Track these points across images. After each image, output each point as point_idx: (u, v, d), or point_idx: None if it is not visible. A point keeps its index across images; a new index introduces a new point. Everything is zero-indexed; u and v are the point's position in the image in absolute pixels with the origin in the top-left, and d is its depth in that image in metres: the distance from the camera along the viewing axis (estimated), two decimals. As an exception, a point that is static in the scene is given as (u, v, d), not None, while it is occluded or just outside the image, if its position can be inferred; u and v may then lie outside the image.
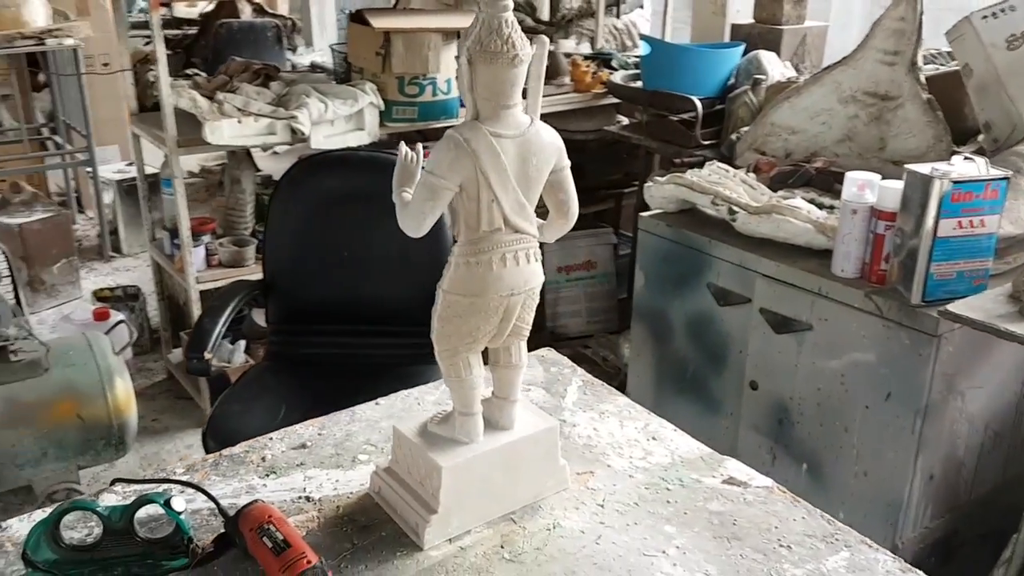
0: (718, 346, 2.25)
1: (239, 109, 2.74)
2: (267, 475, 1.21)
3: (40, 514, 1.07)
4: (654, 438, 1.33)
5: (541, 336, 3.39)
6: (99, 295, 3.45)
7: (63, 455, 2.31)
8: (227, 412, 2.05)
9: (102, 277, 4.04)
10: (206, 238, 2.83)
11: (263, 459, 1.25)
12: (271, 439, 1.31)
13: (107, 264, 4.23)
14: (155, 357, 3.44)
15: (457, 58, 0.97)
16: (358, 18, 2.97)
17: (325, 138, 2.79)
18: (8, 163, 4.53)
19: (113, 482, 1.18)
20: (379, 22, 2.85)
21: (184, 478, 1.19)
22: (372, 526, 1.11)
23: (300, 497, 1.17)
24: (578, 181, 1.07)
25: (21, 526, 1.08)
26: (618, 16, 3.84)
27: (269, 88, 2.96)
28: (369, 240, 2.28)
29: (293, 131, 2.71)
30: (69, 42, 3.86)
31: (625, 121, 3.69)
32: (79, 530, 1.07)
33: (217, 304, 2.15)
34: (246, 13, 6.03)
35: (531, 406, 1.20)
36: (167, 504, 1.03)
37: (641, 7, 4.07)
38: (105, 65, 4.43)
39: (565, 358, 1.59)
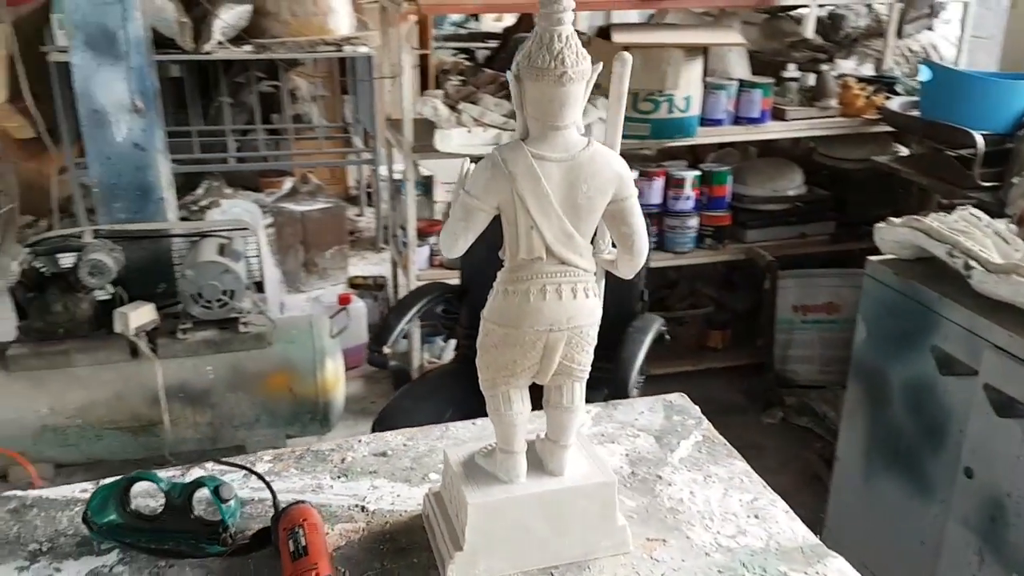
0: (936, 421, 1.93)
1: (474, 119, 2.83)
2: (339, 477, 1.23)
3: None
4: (756, 516, 1.17)
5: (765, 378, 3.14)
6: (352, 282, 3.76)
7: (274, 423, 2.54)
8: (397, 407, 2.12)
9: (369, 266, 4.39)
10: (432, 239, 2.95)
11: (343, 460, 1.27)
12: (359, 441, 1.32)
13: (376, 255, 4.59)
14: (388, 345, 3.67)
15: (507, 71, 0.91)
16: (604, 33, 2.94)
17: (553, 151, 2.79)
18: (313, 156, 5.08)
19: (208, 459, 1.26)
20: (619, 36, 2.80)
21: (266, 467, 1.25)
22: (409, 550, 1.08)
23: (356, 506, 1.17)
24: (837, 214, 0.95)
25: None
26: (899, 35, 3.44)
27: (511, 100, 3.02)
28: None
29: (521, 142, 2.74)
30: (363, 50, 4.24)
31: (904, 152, 3.31)
32: (151, 500, 1.14)
33: (405, 302, 2.23)
34: (542, 27, 6.24)
35: (596, 455, 1.10)
36: (215, 491, 1.07)
37: (931, 29, 3.62)
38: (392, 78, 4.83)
39: (695, 407, 1.44)
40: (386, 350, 2.10)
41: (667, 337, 2.26)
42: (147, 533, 1.08)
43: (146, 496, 1.14)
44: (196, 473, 1.21)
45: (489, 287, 2.41)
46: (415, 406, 2.14)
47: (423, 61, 6.44)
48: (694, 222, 3.14)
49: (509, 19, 6.83)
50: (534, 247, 0.93)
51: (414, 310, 2.21)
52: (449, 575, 1.02)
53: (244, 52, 4.26)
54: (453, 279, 2.90)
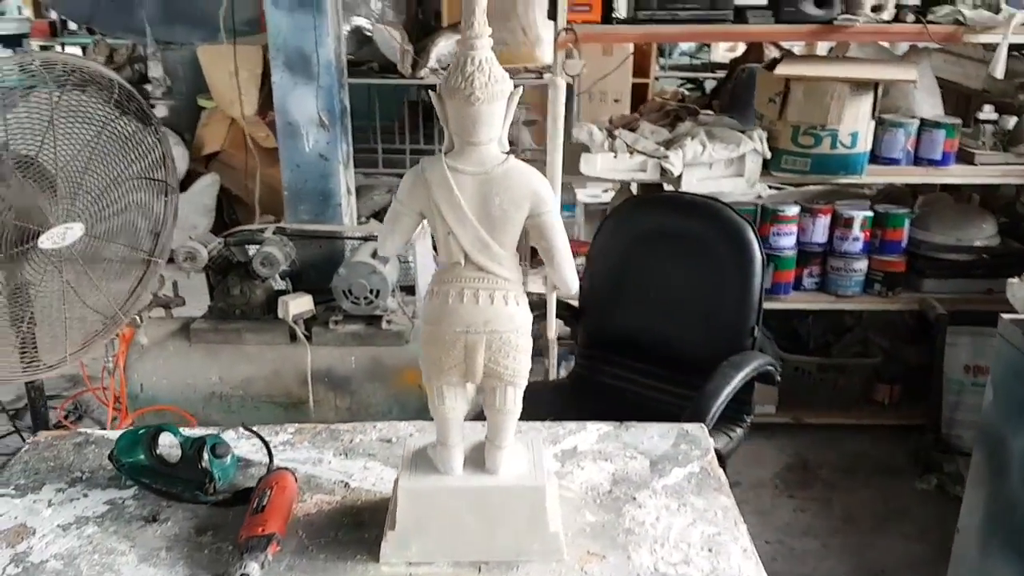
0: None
1: (627, 145, 2.87)
2: (340, 454, 1.36)
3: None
4: (710, 549, 1.15)
5: (924, 440, 2.87)
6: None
7: (403, 415, 2.72)
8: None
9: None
10: (578, 260, 3.03)
11: (351, 441, 1.40)
12: (374, 427, 1.44)
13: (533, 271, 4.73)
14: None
15: (432, 90, 0.99)
16: (773, 64, 2.87)
17: (699, 181, 2.77)
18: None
19: (242, 426, 1.44)
20: (784, 68, 2.72)
21: (286, 437, 1.40)
22: (366, 526, 1.19)
23: (342, 482, 1.29)
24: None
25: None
26: None
27: (675, 128, 3.03)
28: (675, 281, 2.28)
29: (663, 170, 2.75)
30: (559, 79, 4.40)
31: None
32: (175, 450, 1.33)
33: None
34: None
35: (539, 462, 1.14)
36: (212, 448, 1.24)
37: None
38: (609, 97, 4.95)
39: (711, 442, 1.42)
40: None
41: (777, 379, 2.19)
42: (163, 477, 1.27)
43: (174, 447, 1.33)
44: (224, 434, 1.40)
45: (606, 311, 2.46)
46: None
47: (640, 91, 6.52)
48: (862, 265, 2.95)
49: (741, 47, 6.73)
50: (452, 252, 1.00)
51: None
52: (383, 550, 1.11)
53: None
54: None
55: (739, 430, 2.19)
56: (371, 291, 2.68)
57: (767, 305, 2.23)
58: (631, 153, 2.84)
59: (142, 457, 1.28)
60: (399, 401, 2.72)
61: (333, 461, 1.34)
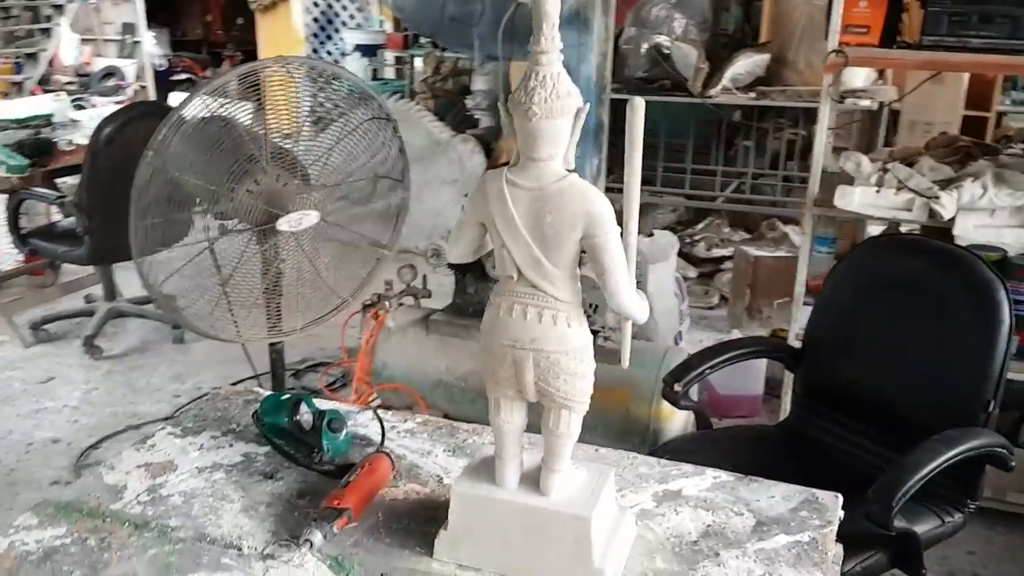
0: None
1: (898, 180, 2.61)
2: (450, 452, 1.41)
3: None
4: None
5: None
6: (775, 333, 3.68)
7: (607, 433, 2.71)
8: (677, 443, 2.15)
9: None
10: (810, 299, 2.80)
11: (464, 441, 1.44)
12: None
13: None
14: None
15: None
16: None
17: (975, 227, 2.43)
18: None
19: (372, 410, 1.54)
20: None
21: (411, 426, 1.48)
22: (437, 521, 1.21)
23: (437, 476, 1.34)
24: None
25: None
26: None
27: (962, 167, 2.69)
28: (907, 337, 2.05)
29: (932, 212, 2.45)
30: (864, 103, 4.06)
31: None
32: (307, 418, 1.46)
33: (716, 349, 2.23)
34: None
35: (599, 494, 1.10)
36: (328, 423, 1.35)
37: None
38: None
39: (839, 512, 1.26)
40: (677, 387, 2.14)
41: (1011, 464, 1.88)
42: (291, 440, 1.40)
43: (308, 416, 1.46)
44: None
45: (826, 359, 2.29)
46: (693, 447, 2.14)
47: (977, 124, 5.81)
48: None
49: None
50: (506, 265, 1.01)
51: (721, 359, 2.19)
52: (436, 546, 1.14)
53: (742, 98, 4.44)
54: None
55: (957, 516, 1.91)
56: (590, 305, 2.70)
57: (1013, 375, 1.92)
58: (897, 189, 2.57)
59: (282, 420, 1.43)
60: (604, 418, 2.71)
61: (440, 456, 1.39)
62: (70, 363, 3.71)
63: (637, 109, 0.97)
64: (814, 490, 1.32)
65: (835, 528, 1.23)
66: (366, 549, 1.16)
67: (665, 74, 4.65)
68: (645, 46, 4.73)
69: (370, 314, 2.98)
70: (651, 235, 3.66)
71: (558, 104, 0.95)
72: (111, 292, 4.01)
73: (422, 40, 7.92)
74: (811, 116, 5.17)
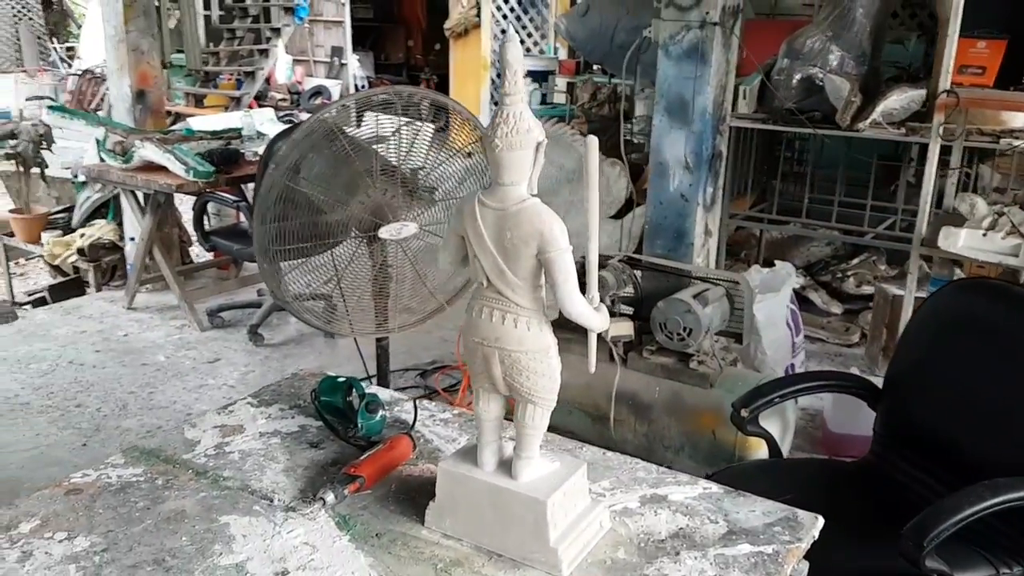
0: None
1: (1012, 224, 2.52)
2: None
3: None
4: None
5: None
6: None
7: (694, 456, 2.78)
8: (740, 469, 2.20)
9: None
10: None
11: (489, 434, 1.59)
12: (516, 429, 1.62)
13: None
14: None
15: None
16: None
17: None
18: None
19: (413, 400, 1.73)
20: None
21: (447, 416, 1.66)
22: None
23: (454, 459, 1.50)
24: None
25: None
26: None
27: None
28: (989, 382, 2.02)
29: (1042, 258, 2.35)
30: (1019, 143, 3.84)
31: None
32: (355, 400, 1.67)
33: (794, 378, 2.26)
34: None
35: (560, 483, 1.23)
36: (366, 404, 1.56)
37: None
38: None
39: (813, 536, 1.31)
40: (744, 412, 2.19)
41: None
42: (343, 418, 1.62)
43: (355, 398, 1.67)
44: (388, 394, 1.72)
45: (906, 399, 2.28)
46: (754, 474, 2.18)
47: None
48: None
49: None
50: (478, 273, 1.17)
51: (793, 388, 2.22)
52: (426, 515, 1.31)
53: (889, 133, 4.30)
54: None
55: (1016, 568, 1.86)
56: (684, 328, 2.78)
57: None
58: (1007, 233, 2.49)
59: (335, 399, 1.65)
60: (691, 440, 2.78)
61: (462, 443, 1.56)
62: (235, 348, 4.18)
63: (591, 146, 1.10)
64: (797, 510, 1.37)
65: (805, 545, 1.29)
66: (371, 512, 1.35)
67: (816, 106, 4.59)
68: (797, 77, 4.68)
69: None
70: (772, 265, 3.65)
71: (517, 139, 1.10)
72: (276, 288, 4.48)
73: (594, 67, 8.15)
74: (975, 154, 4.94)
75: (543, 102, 7.97)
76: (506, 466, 1.27)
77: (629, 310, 3.10)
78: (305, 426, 1.63)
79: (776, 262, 3.70)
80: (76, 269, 5.01)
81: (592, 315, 1.17)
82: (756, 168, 4.64)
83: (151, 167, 4.28)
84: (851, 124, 4.41)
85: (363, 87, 14.26)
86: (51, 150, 5.13)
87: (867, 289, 4.92)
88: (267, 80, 12.56)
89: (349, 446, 1.54)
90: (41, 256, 5.15)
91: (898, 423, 2.19)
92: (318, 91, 12.24)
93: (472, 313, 1.19)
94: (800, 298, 4.35)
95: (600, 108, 6.03)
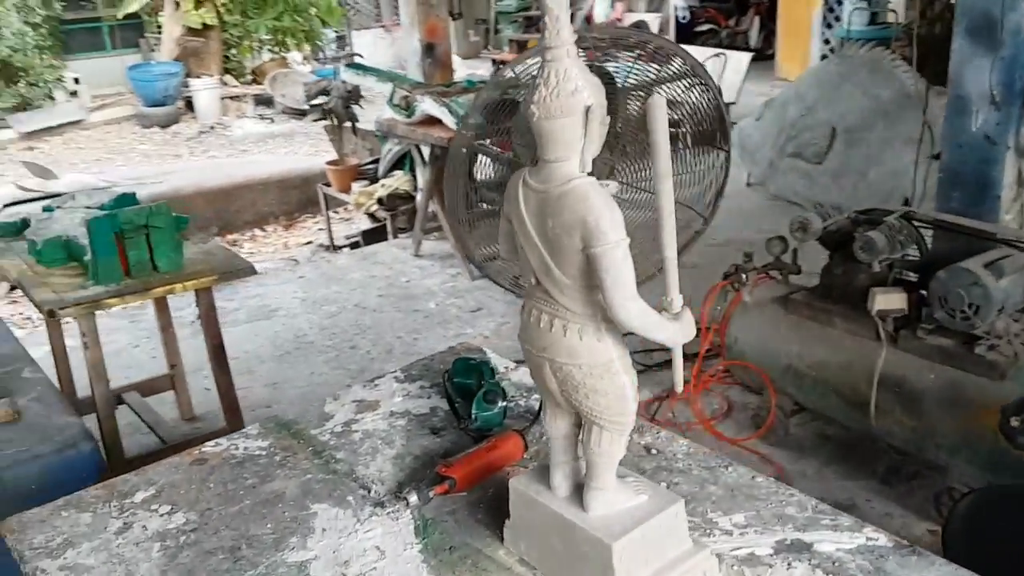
0: None
1: None
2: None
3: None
4: None
5: None
6: None
7: (973, 461, 2.27)
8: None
9: None
10: None
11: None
12: (658, 437, 1.38)
13: None
14: None
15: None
16: None
17: None
18: None
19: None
20: None
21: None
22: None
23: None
24: None
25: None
26: None
27: None
28: None
29: None
30: None
31: None
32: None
33: None
34: None
35: (648, 525, 0.99)
36: (484, 395, 1.41)
37: None
38: None
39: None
40: (1014, 422, 1.72)
41: None
42: (471, 397, 1.48)
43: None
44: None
45: None
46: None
47: None
48: None
49: None
50: (526, 268, 0.94)
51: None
52: (505, 533, 1.14)
53: None
54: None
55: None
56: (969, 305, 2.27)
57: None
58: None
59: (469, 382, 1.52)
60: (970, 441, 2.28)
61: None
62: (498, 298, 4.23)
63: (655, 107, 0.82)
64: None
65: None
66: (457, 519, 1.21)
67: None
68: None
69: (725, 284, 2.88)
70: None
71: (557, 103, 0.86)
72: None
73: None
74: None
75: (871, 22, 7.03)
76: (581, 492, 1.05)
77: (912, 277, 2.60)
78: (436, 408, 1.52)
79: None
80: (376, 217, 5.38)
81: (659, 325, 0.90)
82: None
83: (431, 120, 4.41)
84: None
85: (684, 19, 13.74)
86: (360, 105, 5.51)
87: None
88: (587, 19, 12.56)
89: (465, 435, 1.41)
90: (348, 204, 5.61)
91: None
92: (637, 25, 12.02)
93: (524, 315, 0.98)
94: None
95: (932, 28, 5.14)
